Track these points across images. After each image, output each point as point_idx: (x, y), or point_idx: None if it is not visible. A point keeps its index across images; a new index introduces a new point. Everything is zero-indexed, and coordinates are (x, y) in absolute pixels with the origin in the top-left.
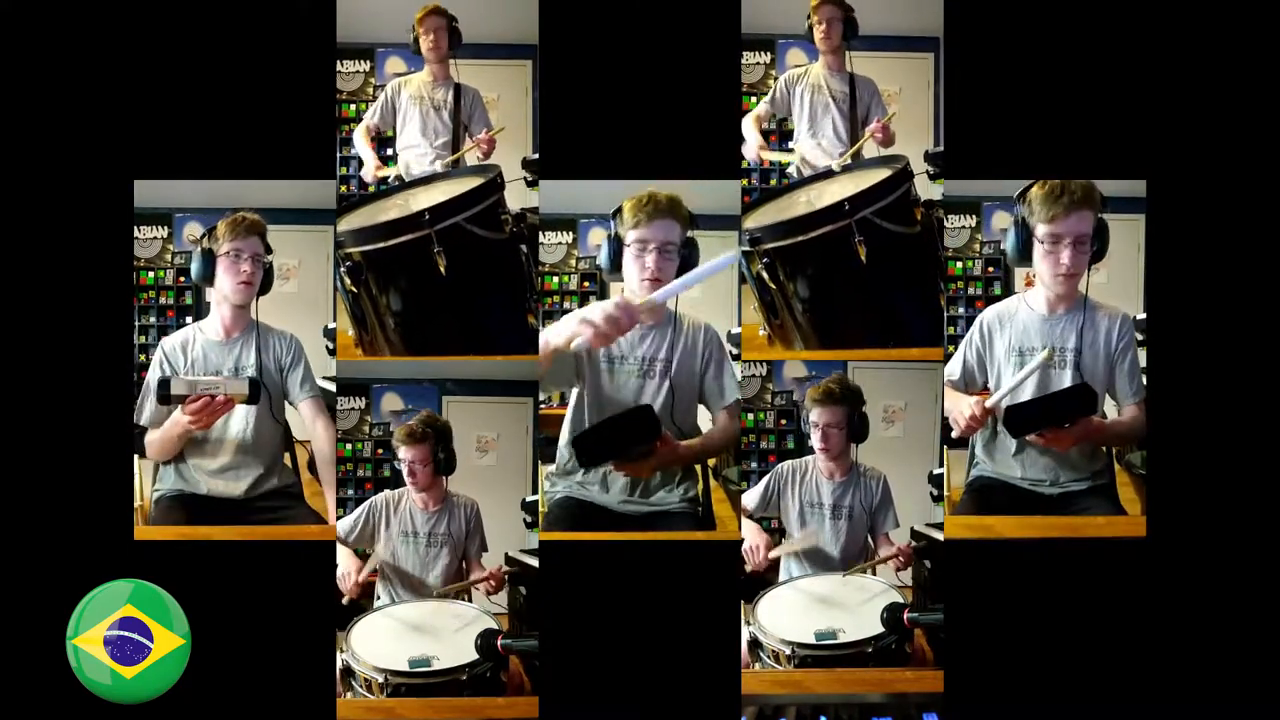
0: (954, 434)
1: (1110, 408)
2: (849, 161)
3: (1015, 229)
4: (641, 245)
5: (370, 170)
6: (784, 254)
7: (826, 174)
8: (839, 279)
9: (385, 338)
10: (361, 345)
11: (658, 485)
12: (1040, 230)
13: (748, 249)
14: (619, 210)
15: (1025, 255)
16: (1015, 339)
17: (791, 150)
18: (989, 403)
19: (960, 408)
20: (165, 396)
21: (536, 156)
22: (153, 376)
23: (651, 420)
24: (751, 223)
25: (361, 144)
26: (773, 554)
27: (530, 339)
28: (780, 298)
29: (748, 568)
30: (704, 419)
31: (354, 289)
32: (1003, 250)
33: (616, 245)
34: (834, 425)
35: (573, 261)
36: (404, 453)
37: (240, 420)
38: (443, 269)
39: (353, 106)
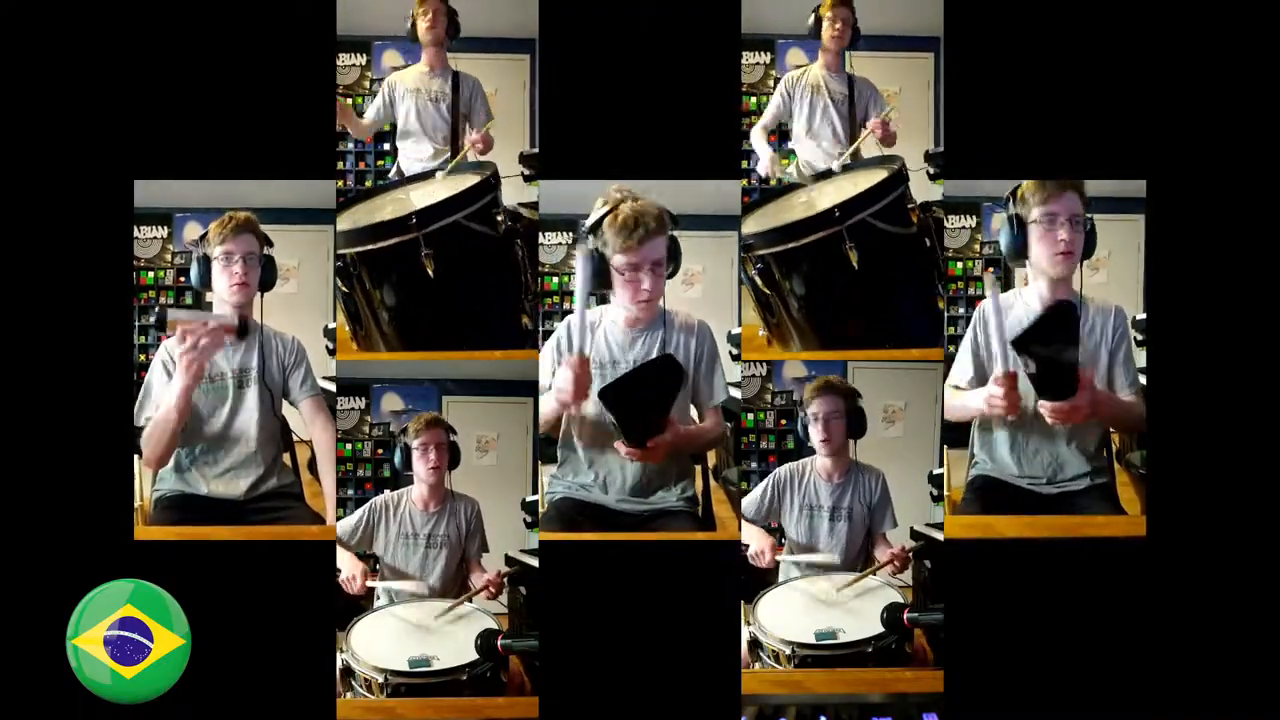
0: (1010, 419)
1: None
2: (849, 160)
3: (1009, 225)
4: (634, 268)
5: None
6: (778, 259)
7: (826, 174)
8: (833, 282)
9: (380, 331)
10: (356, 340)
11: (656, 485)
12: (1035, 213)
13: (742, 254)
14: (597, 226)
15: (1021, 252)
16: (1011, 333)
17: (796, 166)
18: (997, 372)
19: (987, 394)
20: (162, 323)
21: (534, 151)
22: (154, 376)
23: (675, 368)
24: (745, 228)
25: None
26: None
27: (525, 337)
28: (777, 299)
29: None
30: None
31: (344, 288)
32: (996, 243)
33: (601, 261)
34: (834, 414)
35: (572, 262)
36: (423, 437)
37: (240, 421)
38: (431, 272)
39: (349, 100)
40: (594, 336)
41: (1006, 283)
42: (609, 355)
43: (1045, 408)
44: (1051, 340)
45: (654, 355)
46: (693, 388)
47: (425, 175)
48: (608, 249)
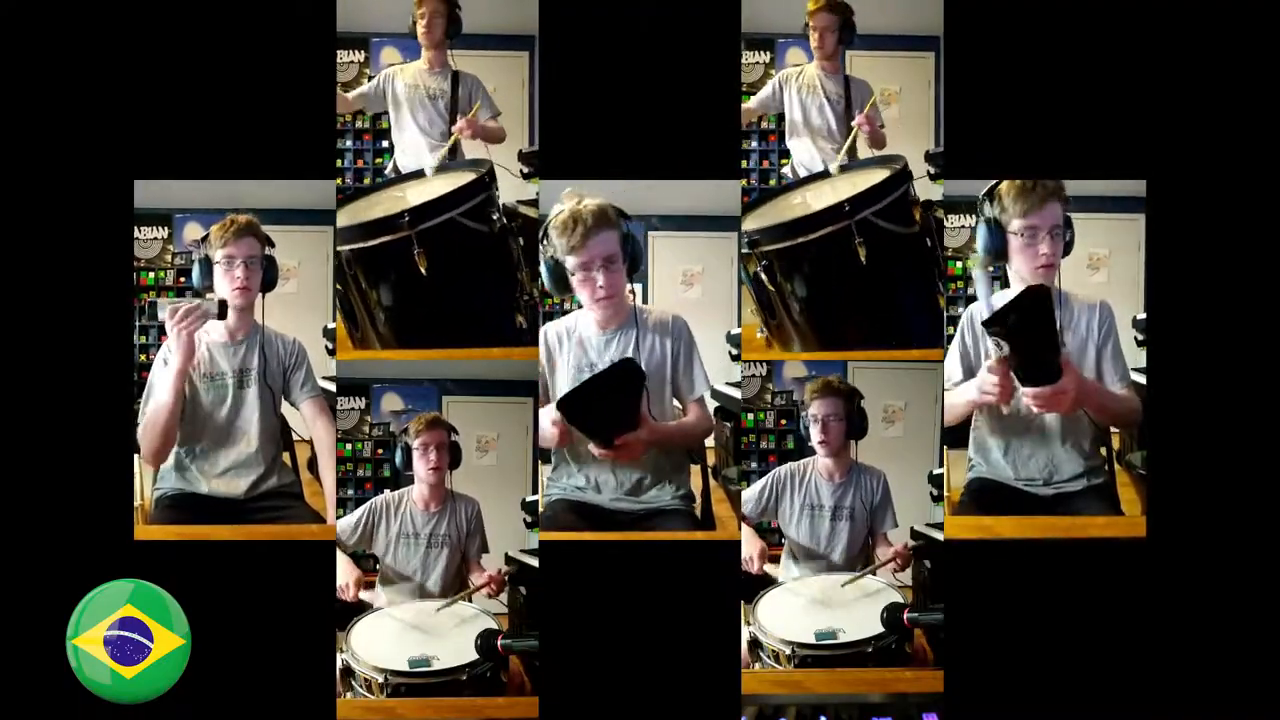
0: (1005, 410)
1: None
2: (845, 160)
3: (986, 227)
4: (586, 267)
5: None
6: (783, 256)
7: (822, 175)
8: (837, 280)
9: (375, 331)
10: (352, 339)
11: (649, 484)
12: (1016, 224)
13: (746, 251)
14: (545, 233)
15: (999, 253)
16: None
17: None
18: (989, 365)
19: (980, 383)
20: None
21: (533, 149)
22: (155, 376)
23: (635, 372)
24: (749, 224)
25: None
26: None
27: (519, 335)
28: (778, 298)
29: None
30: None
31: (338, 285)
32: (974, 250)
33: (557, 268)
34: (833, 416)
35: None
36: (424, 437)
37: (241, 420)
38: (423, 270)
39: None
40: (571, 342)
41: (1006, 285)
42: (586, 359)
43: (1028, 395)
44: (1024, 323)
45: (628, 355)
46: (673, 383)
47: (420, 173)
48: (559, 253)
